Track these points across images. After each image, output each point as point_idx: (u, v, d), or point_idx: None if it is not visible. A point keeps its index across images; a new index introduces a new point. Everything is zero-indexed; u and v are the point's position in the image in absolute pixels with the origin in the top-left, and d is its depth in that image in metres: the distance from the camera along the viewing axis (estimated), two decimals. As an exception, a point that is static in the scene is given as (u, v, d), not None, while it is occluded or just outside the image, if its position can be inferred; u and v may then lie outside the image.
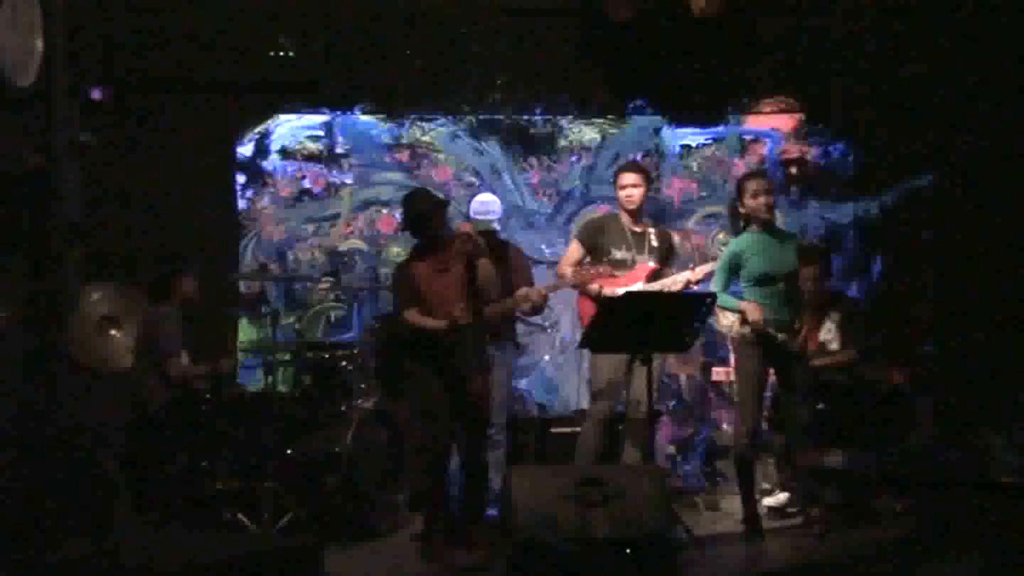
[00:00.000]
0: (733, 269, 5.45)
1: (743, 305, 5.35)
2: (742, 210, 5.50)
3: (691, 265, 5.95)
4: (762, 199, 5.44)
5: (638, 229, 5.80)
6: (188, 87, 6.89)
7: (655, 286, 5.65)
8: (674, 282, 5.67)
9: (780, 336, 5.33)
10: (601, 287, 5.60)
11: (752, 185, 5.48)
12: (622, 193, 5.79)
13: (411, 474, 5.76)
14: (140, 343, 5.68)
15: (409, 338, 5.17)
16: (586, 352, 6.01)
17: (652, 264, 5.75)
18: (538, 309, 5.80)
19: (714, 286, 5.46)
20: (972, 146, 6.91)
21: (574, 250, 5.87)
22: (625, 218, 5.81)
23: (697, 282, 5.67)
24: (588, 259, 5.79)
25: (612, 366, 5.62)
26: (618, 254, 5.74)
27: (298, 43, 6.91)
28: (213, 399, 5.63)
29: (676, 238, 7.10)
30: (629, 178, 5.80)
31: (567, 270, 5.74)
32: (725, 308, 5.43)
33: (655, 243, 5.79)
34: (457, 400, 5.06)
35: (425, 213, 5.14)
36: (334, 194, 7.30)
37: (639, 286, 5.64)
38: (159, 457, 5.45)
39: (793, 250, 5.53)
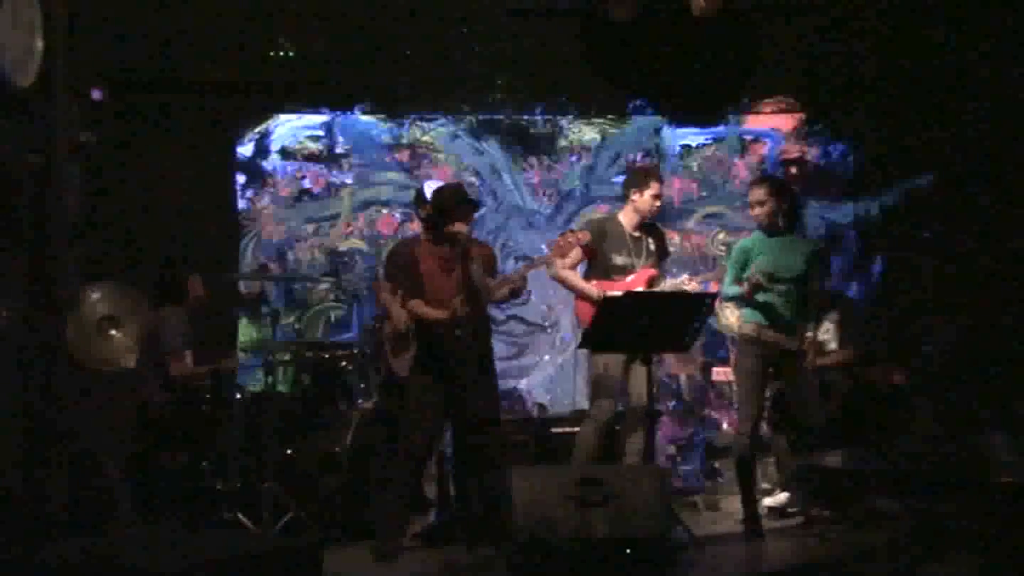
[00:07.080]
0: (742, 265, 5.47)
1: (746, 284, 5.37)
2: (751, 213, 5.55)
3: (686, 276, 5.96)
4: (757, 210, 5.48)
5: (637, 234, 5.77)
6: (188, 87, 6.89)
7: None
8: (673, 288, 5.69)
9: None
10: (604, 292, 5.58)
11: (751, 195, 5.55)
12: (654, 200, 5.71)
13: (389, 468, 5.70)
14: (143, 344, 5.68)
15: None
16: (585, 352, 6.01)
17: (651, 270, 5.75)
18: (516, 293, 5.50)
19: (725, 281, 5.52)
20: (972, 146, 6.91)
21: (575, 253, 5.82)
22: (628, 222, 5.75)
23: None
24: (587, 262, 5.79)
25: (613, 365, 5.61)
26: (618, 259, 5.71)
27: (298, 43, 6.91)
28: (213, 399, 5.63)
29: (676, 238, 7.12)
30: (660, 188, 5.75)
31: (567, 272, 5.73)
32: (733, 298, 5.46)
33: (652, 247, 5.78)
34: (455, 401, 5.07)
35: (448, 210, 5.12)
36: (334, 194, 7.31)
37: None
38: (159, 457, 5.45)
39: (803, 255, 5.50)
